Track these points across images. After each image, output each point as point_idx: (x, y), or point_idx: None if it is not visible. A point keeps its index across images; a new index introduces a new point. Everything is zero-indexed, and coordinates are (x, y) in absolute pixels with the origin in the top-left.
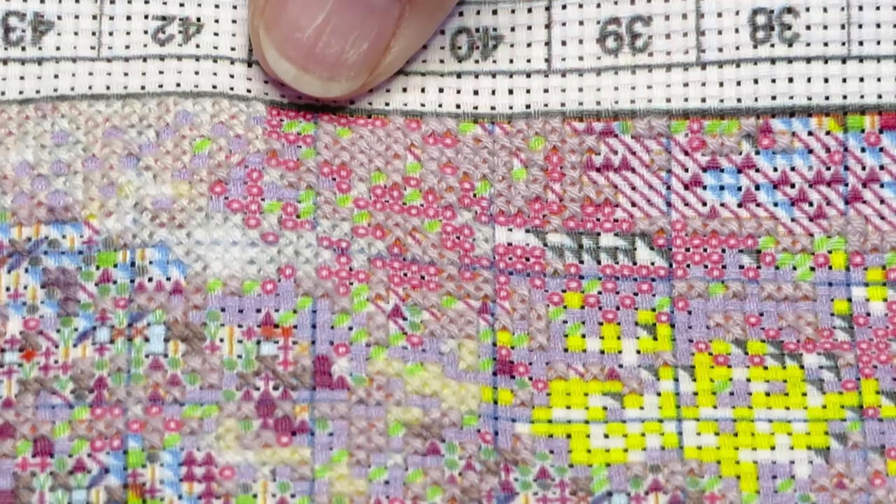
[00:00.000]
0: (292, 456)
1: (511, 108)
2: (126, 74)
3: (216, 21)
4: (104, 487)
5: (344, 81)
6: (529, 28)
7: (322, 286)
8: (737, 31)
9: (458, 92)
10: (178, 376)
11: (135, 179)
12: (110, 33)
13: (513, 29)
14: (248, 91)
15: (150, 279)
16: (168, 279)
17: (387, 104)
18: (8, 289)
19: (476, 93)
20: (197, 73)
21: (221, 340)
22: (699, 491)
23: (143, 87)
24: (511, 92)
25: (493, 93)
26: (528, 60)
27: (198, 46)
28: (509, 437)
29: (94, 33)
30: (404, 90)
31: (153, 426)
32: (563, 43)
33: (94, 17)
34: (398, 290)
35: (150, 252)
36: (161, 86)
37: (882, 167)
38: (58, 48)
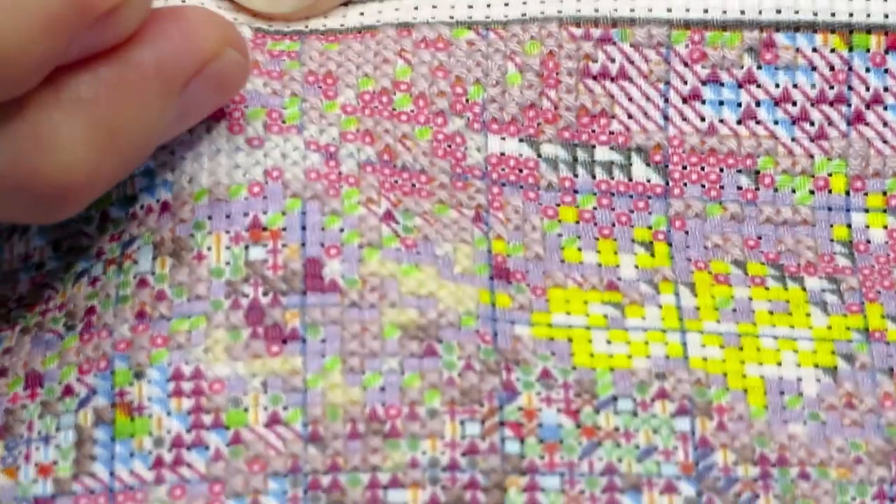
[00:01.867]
0: (283, 366)
1: (506, 16)
2: None
3: None
4: (92, 409)
5: None
6: None
7: (311, 188)
8: None
9: (453, 7)
10: (165, 291)
11: None
12: None
13: None
14: (235, 19)
15: (142, 206)
16: (157, 201)
17: (378, 21)
18: (20, 255)
19: (470, 6)
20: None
21: (209, 249)
22: (706, 401)
23: None
24: (506, 4)
25: (489, 5)
26: None
27: None
28: (509, 339)
29: None
30: (396, 9)
31: (139, 344)
32: None
33: None
34: (389, 195)
35: (138, 181)
36: None
37: (886, 89)
38: None
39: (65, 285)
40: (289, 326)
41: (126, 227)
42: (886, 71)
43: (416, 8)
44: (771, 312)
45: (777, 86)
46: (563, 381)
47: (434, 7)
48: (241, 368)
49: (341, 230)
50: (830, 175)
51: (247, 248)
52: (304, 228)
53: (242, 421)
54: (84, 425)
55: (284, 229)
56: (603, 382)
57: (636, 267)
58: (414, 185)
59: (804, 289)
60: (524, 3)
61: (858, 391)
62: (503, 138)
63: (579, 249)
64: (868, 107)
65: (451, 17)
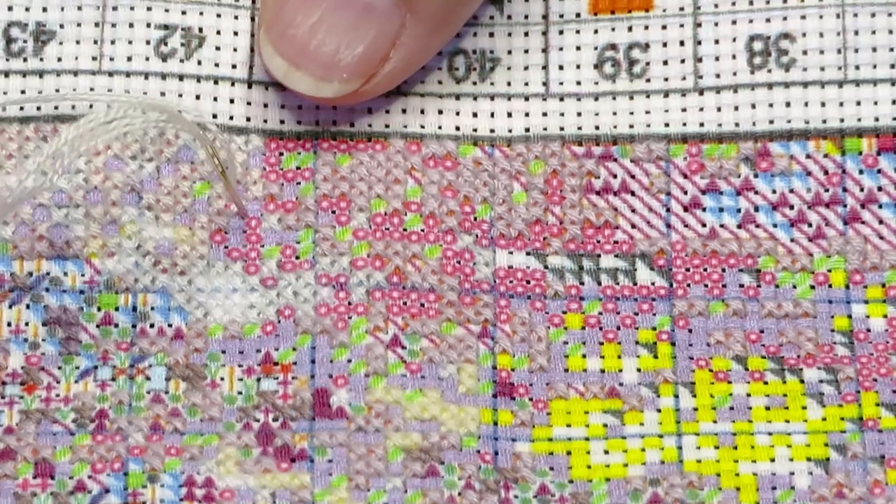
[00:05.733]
0: (292, 481)
1: (510, 131)
2: (127, 92)
3: (218, 32)
4: None
5: (336, 83)
6: (526, 52)
7: (321, 323)
8: (734, 57)
9: (458, 114)
10: (179, 409)
11: (136, 219)
12: (112, 42)
13: (510, 52)
14: (248, 119)
15: (152, 325)
16: (170, 325)
17: (386, 126)
18: (9, 324)
19: (475, 115)
20: (198, 96)
21: (222, 379)
22: (699, 503)
23: (144, 112)
24: (510, 115)
25: (492, 115)
26: (526, 84)
27: (199, 63)
28: (509, 456)
29: (95, 42)
30: (403, 111)
31: (154, 451)
32: (561, 67)
33: (97, 25)
34: (397, 319)
35: (151, 298)
36: None
37: (880, 188)
38: (59, 59)
39: (67, 378)
40: (297, 447)
41: (135, 339)
42: (879, 171)
43: (422, 112)
44: (767, 408)
45: (774, 192)
46: (560, 495)
47: (440, 112)
48: (252, 481)
49: (349, 361)
50: (830, 271)
51: (259, 379)
52: (313, 362)
53: None
54: None
55: (295, 363)
56: (598, 493)
57: (638, 370)
58: (422, 305)
59: (802, 381)
60: (527, 114)
61: (849, 481)
62: (511, 252)
63: (583, 356)
64: (863, 206)
65: (457, 128)
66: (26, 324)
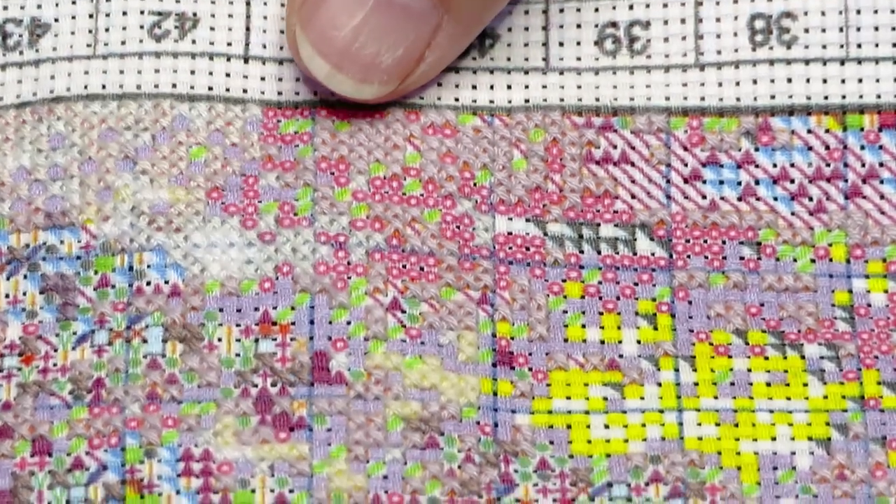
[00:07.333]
0: (290, 451)
1: (510, 101)
2: (122, 72)
3: (212, 16)
4: (102, 484)
5: (376, 84)
6: (527, 29)
7: (320, 282)
8: (735, 34)
9: (457, 86)
10: (176, 375)
11: (131, 183)
12: (106, 29)
13: (510, 29)
14: (245, 91)
15: (149, 283)
16: (166, 282)
17: None
18: (7, 295)
19: (474, 87)
20: (193, 72)
21: (219, 340)
22: (700, 482)
23: (138, 87)
24: (509, 87)
25: (492, 88)
26: (526, 59)
27: (193, 42)
28: (509, 429)
29: (90, 31)
30: None
31: (151, 423)
32: (561, 44)
33: (91, 16)
34: (396, 282)
35: (147, 256)
36: (157, 86)
37: (882, 164)
38: (54, 49)
39: (64, 345)
40: (296, 415)
41: (131, 299)
42: (881, 147)
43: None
44: (768, 384)
45: (775, 165)
46: (560, 470)
47: (439, 85)
48: (250, 452)
49: (348, 323)
50: (830, 245)
51: (257, 340)
52: (312, 322)
53: (250, 502)
54: (94, 500)
55: (293, 323)
56: (598, 469)
57: (638, 342)
58: (422, 269)
59: (803, 357)
60: (526, 87)
61: (851, 462)
62: (510, 218)
63: (583, 326)
64: (864, 181)
65: (456, 100)
66: (24, 293)
